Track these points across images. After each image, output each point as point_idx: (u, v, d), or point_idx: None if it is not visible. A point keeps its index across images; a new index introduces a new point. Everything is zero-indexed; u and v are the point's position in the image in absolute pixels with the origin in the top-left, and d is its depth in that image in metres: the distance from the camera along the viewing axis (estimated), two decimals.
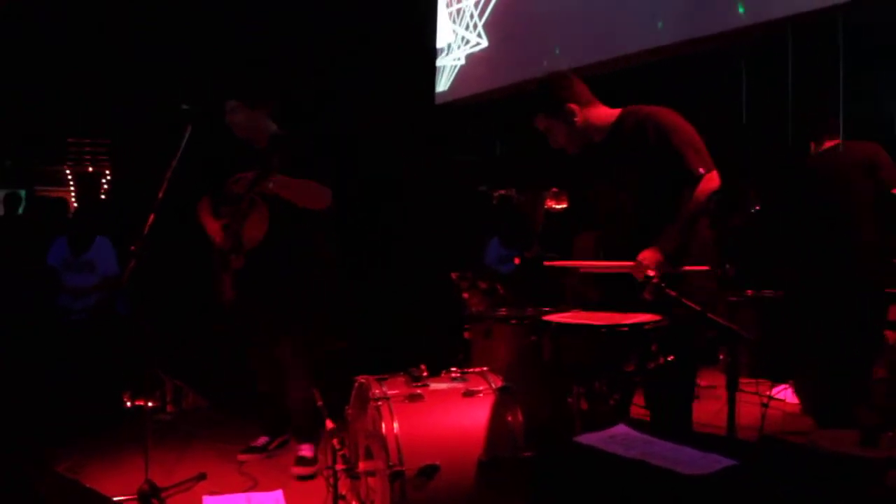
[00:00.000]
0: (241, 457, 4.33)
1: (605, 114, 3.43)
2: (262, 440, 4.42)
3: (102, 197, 10.04)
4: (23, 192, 9.78)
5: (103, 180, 10.28)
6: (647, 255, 3.12)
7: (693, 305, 2.84)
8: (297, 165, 4.05)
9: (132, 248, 3.61)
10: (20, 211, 8.99)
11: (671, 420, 3.30)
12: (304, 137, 4.24)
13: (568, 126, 3.39)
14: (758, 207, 6.14)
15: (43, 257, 5.85)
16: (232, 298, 4.19)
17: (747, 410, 3.95)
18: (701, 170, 3.15)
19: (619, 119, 3.39)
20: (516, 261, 6.63)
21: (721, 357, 4.23)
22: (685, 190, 3.17)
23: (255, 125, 4.23)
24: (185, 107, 3.84)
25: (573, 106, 3.38)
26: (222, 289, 4.20)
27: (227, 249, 4.17)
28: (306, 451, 4.18)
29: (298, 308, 4.18)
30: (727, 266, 4.47)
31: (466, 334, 3.98)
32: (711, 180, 3.18)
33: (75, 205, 10.32)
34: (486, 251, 6.90)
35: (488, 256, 6.86)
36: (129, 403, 5.26)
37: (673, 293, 2.89)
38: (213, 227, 4.27)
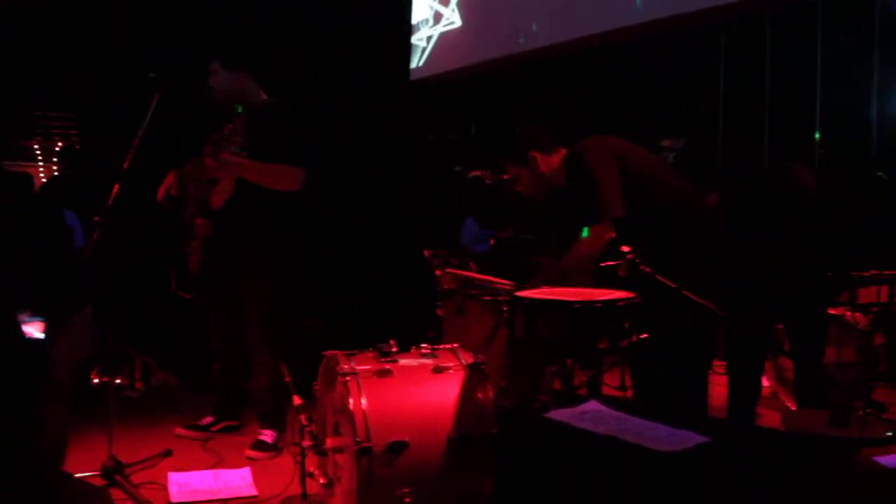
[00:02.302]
0: (179, 431, 4.26)
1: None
2: (207, 420, 4.33)
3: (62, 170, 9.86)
4: None
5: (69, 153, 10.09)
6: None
7: (667, 282, 2.82)
8: (271, 138, 3.96)
9: (96, 218, 3.53)
10: None
11: (653, 398, 3.30)
12: (280, 109, 4.12)
13: (531, 174, 3.67)
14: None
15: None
16: (198, 268, 4.10)
17: (720, 392, 3.93)
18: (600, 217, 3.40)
19: (565, 161, 3.66)
20: (491, 241, 6.61)
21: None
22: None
23: (235, 89, 4.10)
24: (152, 75, 3.75)
25: (536, 154, 3.65)
26: (189, 258, 4.11)
27: (193, 213, 4.09)
28: (267, 436, 4.07)
29: (262, 281, 4.08)
30: None
31: (439, 311, 3.94)
32: (602, 232, 3.38)
33: (43, 180, 10.14)
34: (461, 230, 6.87)
35: (464, 236, 6.82)
36: (96, 380, 5.17)
37: (647, 269, 2.87)
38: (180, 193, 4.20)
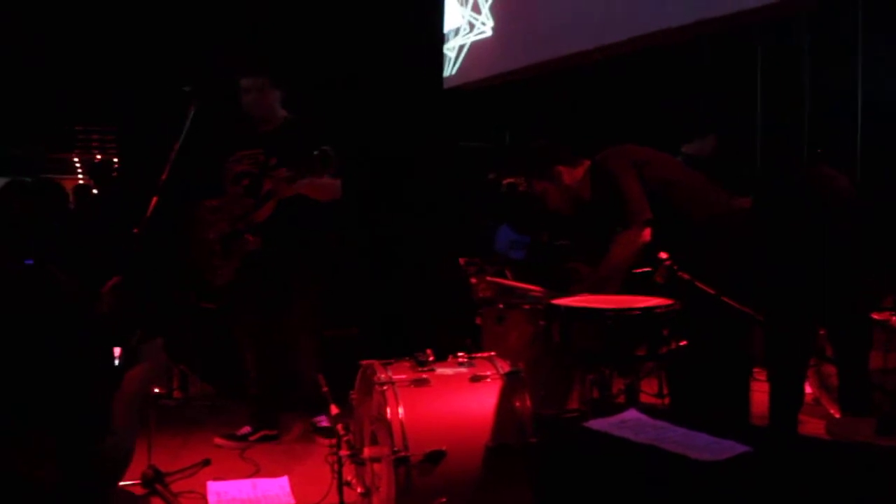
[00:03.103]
0: (218, 440, 4.29)
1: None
2: (245, 430, 4.36)
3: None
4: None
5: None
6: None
7: (706, 289, 2.78)
8: (309, 152, 4.01)
9: (135, 230, 3.58)
10: None
11: (690, 405, 3.26)
12: (316, 123, 4.22)
13: (558, 187, 3.67)
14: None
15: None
16: (230, 280, 4.15)
17: (760, 399, 3.88)
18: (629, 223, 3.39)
19: (590, 174, 3.66)
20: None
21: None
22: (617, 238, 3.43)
23: (270, 105, 4.20)
24: (186, 88, 3.80)
25: (561, 168, 3.65)
26: (222, 272, 4.15)
27: (239, 230, 4.13)
28: (324, 421, 4.20)
29: (312, 289, 4.23)
30: None
31: (478, 319, 3.93)
32: (637, 235, 3.37)
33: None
34: (496, 237, 6.85)
35: (498, 243, 6.81)
36: None
37: (686, 276, 2.84)
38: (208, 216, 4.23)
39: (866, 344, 3.99)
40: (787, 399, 3.78)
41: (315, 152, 3.84)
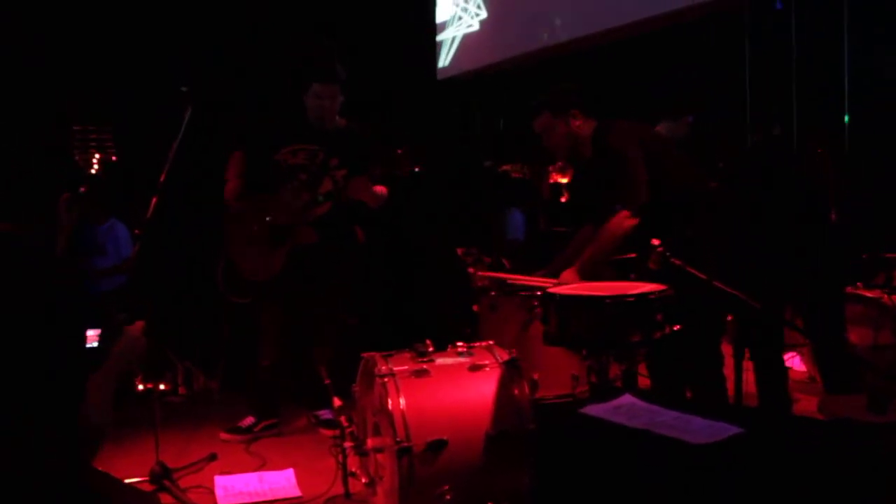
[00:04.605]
0: (224, 435, 4.36)
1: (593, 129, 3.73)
2: (249, 420, 4.42)
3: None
4: None
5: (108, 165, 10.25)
6: (566, 276, 3.48)
7: (698, 273, 2.83)
8: (361, 157, 4.20)
9: (136, 231, 3.62)
10: None
11: (678, 389, 3.31)
12: (371, 132, 4.41)
13: (567, 129, 3.71)
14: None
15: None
16: (279, 272, 4.21)
17: (754, 378, 3.93)
18: (617, 206, 3.45)
19: (594, 135, 3.70)
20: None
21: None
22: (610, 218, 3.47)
23: (335, 108, 4.29)
24: (184, 89, 3.82)
25: (577, 112, 3.70)
26: (267, 265, 4.22)
27: (293, 223, 4.20)
28: (327, 414, 4.30)
29: (341, 280, 4.41)
30: None
31: (475, 308, 3.98)
32: (627, 218, 3.43)
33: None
34: (507, 225, 6.81)
35: (511, 230, 6.77)
36: (140, 386, 5.27)
37: (678, 262, 2.89)
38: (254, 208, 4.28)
39: (838, 320, 4.06)
40: (769, 375, 3.86)
41: (399, 150, 4.01)
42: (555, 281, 3.51)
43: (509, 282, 3.79)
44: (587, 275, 3.46)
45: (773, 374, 3.88)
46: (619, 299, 2.97)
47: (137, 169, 4.54)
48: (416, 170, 4.04)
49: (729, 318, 3.81)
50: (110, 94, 7.02)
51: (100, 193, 6.74)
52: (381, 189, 4.27)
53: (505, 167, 7.76)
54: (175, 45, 6.51)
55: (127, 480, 3.58)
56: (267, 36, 6.49)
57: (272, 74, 5.61)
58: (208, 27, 6.58)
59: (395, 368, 2.99)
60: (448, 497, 2.80)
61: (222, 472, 3.78)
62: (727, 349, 3.62)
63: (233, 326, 5.24)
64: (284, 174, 4.25)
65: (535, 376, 3.09)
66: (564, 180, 7.08)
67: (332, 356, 4.24)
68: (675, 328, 2.98)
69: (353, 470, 3.24)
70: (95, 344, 2.72)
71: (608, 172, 3.60)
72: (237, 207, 4.30)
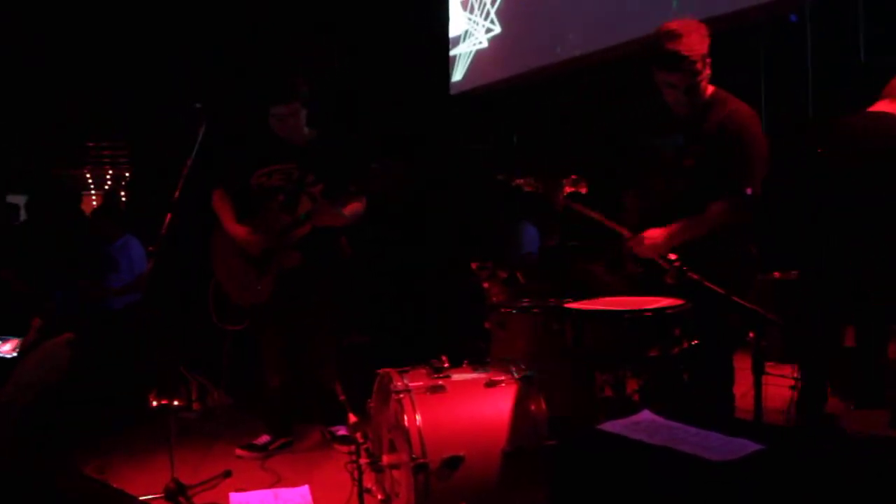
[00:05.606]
0: (239, 452, 4.34)
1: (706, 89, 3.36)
2: (264, 439, 4.40)
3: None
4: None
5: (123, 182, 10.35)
6: (653, 233, 3.20)
7: (716, 288, 2.80)
8: (336, 169, 4.16)
9: (150, 248, 3.63)
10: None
11: (702, 405, 3.27)
12: (344, 142, 4.32)
13: (692, 82, 3.26)
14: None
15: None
16: (267, 298, 4.18)
17: (774, 392, 3.90)
18: (748, 190, 3.19)
19: (710, 102, 3.34)
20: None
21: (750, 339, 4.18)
22: (724, 199, 3.22)
23: (299, 124, 4.26)
24: (198, 105, 3.84)
25: (708, 62, 3.28)
26: (257, 291, 4.18)
27: (275, 247, 4.15)
28: (342, 430, 4.25)
29: (331, 299, 4.33)
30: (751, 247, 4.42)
31: (487, 324, 3.96)
32: (748, 203, 3.20)
33: (94, 205, 10.39)
34: (521, 240, 6.78)
35: (526, 244, 6.73)
36: (154, 402, 5.27)
37: (696, 276, 2.86)
38: (242, 230, 4.22)
39: (885, 335, 3.99)
40: (811, 393, 3.78)
41: (373, 165, 3.97)
42: (633, 235, 3.31)
43: (595, 219, 3.55)
44: (671, 245, 3.18)
45: (814, 390, 3.80)
46: (637, 314, 2.94)
47: (152, 185, 4.55)
48: (406, 184, 4.00)
49: (751, 334, 3.75)
50: (125, 111, 7.07)
51: (113, 210, 6.79)
52: (353, 206, 4.18)
53: (518, 181, 7.74)
54: (189, 63, 6.55)
55: (142, 497, 3.58)
56: (281, 52, 6.52)
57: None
58: (222, 45, 6.62)
59: (410, 384, 2.97)
60: None
61: (237, 489, 3.76)
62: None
63: (241, 347, 5.24)
64: (262, 198, 4.24)
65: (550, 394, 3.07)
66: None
67: (336, 375, 4.19)
68: (693, 343, 2.96)
69: (369, 486, 3.21)
70: (14, 355, 2.67)
71: (726, 150, 3.25)
72: (219, 236, 4.30)
